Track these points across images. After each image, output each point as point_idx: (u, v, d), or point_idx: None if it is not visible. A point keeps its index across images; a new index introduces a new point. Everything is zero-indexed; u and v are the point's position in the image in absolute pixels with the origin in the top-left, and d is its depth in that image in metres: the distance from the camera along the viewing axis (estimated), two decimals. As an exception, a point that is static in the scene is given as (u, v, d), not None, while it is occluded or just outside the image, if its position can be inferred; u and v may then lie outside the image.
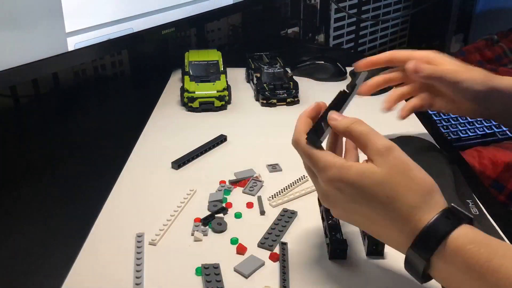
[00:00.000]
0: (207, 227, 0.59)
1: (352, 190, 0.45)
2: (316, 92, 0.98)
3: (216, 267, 0.53)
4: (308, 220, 0.61)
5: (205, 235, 0.58)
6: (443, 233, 0.42)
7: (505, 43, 1.75)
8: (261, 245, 0.56)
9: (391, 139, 0.76)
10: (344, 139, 0.50)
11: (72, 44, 0.79)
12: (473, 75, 0.62)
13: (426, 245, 0.42)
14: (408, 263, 0.44)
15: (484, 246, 0.41)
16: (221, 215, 0.61)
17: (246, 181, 0.68)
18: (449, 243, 0.41)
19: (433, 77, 0.63)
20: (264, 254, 0.55)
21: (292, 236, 0.58)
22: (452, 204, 0.44)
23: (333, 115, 0.50)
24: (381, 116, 0.86)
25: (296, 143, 0.50)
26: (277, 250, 0.56)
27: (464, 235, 0.42)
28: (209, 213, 0.62)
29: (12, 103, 0.95)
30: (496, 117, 0.68)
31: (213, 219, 0.60)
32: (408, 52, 0.64)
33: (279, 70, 0.97)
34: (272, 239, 0.57)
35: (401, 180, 0.44)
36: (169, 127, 0.85)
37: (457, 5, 2.26)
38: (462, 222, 0.42)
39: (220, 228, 0.59)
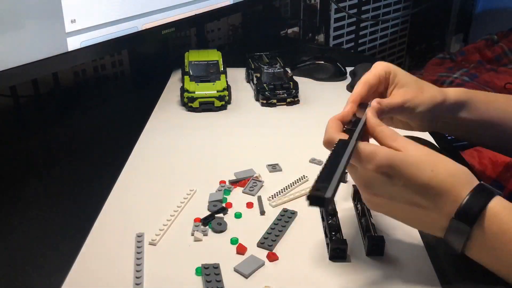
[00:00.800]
0: (207, 227, 0.59)
1: (402, 172, 0.48)
2: (316, 92, 0.98)
3: (216, 267, 0.53)
4: (308, 220, 0.61)
5: (205, 235, 0.58)
6: (482, 204, 0.47)
7: (505, 43, 1.75)
8: (261, 245, 0.56)
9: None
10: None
11: (73, 44, 0.79)
12: (423, 100, 0.62)
13: (469, 213, 0.47)
14: (448, 235, 0.49)
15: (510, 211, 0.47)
16: (221, 215, 0.61)
17: (246, 181, 0.68)
18: (488, 211, 0.47)
19: (384, 113, 0.61)
20: (264, 254, 0.55)
21: (292, 236, 0.58)
22: (481, 181, 0.49)
23: (369, 113, 0.54)
24: (381, 116, 0.86)
25: (328, 143, 0.52)
26: (276, 250, 0.56)
27: (499, 204, 0.47)
28: (209, 213, 0.62)
29: (12, 103, 0.95)
30: (442, 130, 0.70)
31: (213, 219, 0.60)
32: (376, 74, 0.62)
33: (279, 70, 0.97)
34: (272, 239, 0.57)
35: (440, 159, 0.50)
36: (169, 127, 0.85)
37: (457, 5, 2.26)
38: (495, 194, 0.48)
39: (220, 228, 0.59)
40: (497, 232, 0.47)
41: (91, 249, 0.56)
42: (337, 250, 0.54)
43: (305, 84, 0.99)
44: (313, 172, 0.71)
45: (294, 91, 0.93)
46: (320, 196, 0.42)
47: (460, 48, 1.94)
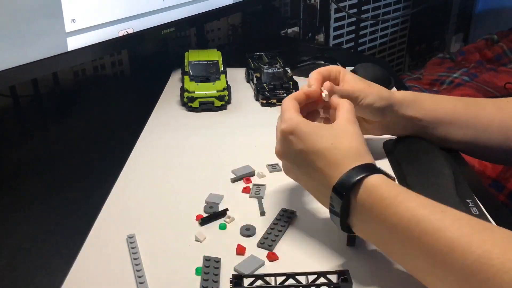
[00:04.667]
0: (208, 225, 0.59)
1: (302, 137, 0.55)
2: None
3: (217, 261, 0.53)
4: (308, 219, 0.61)
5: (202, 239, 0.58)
6: (361, 176, 0.50)
7: (505, 43, 1.76)
8: (261, 245, 0.56)
9: (392, 139, 0.77)
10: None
11: (73, 44, 0.79)
12: (371, 91, 0.68)
13: (344, 185, 0.50)
14: (330, 207, 0.52)
15: (393, 186, 0.49)
16: (224, 218, 0.61)
17: (247, 181, 0.68)
18: (365, 183, 0.50)
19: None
20: (264, 254, 0.55)
21: (291, 236, 0.58)
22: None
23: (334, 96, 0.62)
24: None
25: (282, 102, 0.61)
26: (276, 250, 0.56)
27: (378, 179, 0.50)
28: (208, 214, 0.62)
29: (12, 103, 0.95)
30: (395, 131, 0.74)
31: (215, 220, 0.60)
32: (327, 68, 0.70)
33: (279, 70, 0.97)
34: (272, 239, 0.57)
35: (347, 136, 0.54)
36: (169, 127, 0.85)
37: (457, 5, 2.26)
38: (380, 172, 0.51)
39: (248, 233, 0.58)
40: (373, 203, 0.49)
41: (91, 249, 0.56)
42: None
43: (305, 84, 0.99)
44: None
45: (294, 91, 0.93)
46: None
47: (460, 48, 1.94)
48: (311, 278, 0.49)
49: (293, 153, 0.56)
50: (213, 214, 0.61)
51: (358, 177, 0.50)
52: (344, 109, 0.58)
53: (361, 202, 0.50)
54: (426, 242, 0.44)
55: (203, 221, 0.60)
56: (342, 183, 0.51)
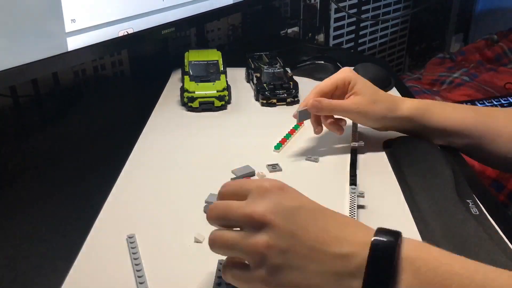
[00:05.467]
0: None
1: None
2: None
3: None
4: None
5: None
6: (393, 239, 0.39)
7: (505, 43, 1.76)
8: (261, 245, 0.56)
9: (392, 139, 0.77)
10: None
11: (73, 44, 0.79)
12: (375, 108, 0.71)
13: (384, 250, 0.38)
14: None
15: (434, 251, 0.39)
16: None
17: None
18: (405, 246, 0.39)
19: (335, 112, 0.73)
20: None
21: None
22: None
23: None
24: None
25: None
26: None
27: (412, 242, 0.40)
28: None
29: (12, 103, 0.95)
30: (397, 130, 0.75)
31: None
32: (333, 82, 0.72)
33: (279, 70, 0.97)
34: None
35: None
36: (169, 127, 0.85)
37: (457, 5, 2.26)
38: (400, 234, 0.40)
39: None
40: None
41: (91, 249, 0.56)
42: None
43: (305, 84, 0.99)
44: (313, 172, 0.71)
45: (294, 91, 0.93)
46: None
47: (460, 48, 1.94)
48: None
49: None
50: None
51: (393, 239, 0.39)
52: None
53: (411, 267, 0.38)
54: None
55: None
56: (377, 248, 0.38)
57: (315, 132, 0.76)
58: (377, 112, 0.71)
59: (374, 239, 0.38)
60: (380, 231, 0.40)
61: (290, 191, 0.44)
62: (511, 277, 0.37)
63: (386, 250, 0.38)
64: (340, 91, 0.73)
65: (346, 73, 0.72)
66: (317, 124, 0.75)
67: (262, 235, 0.40)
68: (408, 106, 0.72)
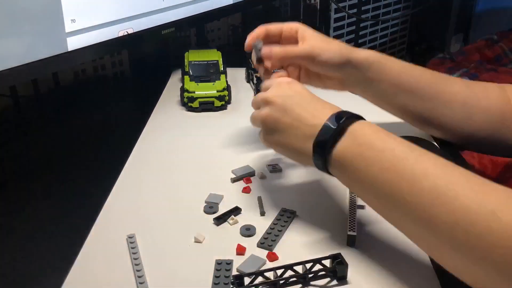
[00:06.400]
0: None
1: (295, 86, 0.61)
2: (316, 92, 0.98)
3: (228, 263, 0.53)
4: (308, 219, 0.61)
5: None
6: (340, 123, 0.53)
7: (505, 43, 1.75)
8: (261, 245, 0.56)
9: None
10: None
11: (73, 44, 0.79)
12: (329, 48, 0.67)
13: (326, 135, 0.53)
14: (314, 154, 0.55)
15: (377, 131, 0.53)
16: (232, 216, 0.61)
17: (247, 181, 0.68)
18: (349, 130, 0.53)
19: (288, 58, 0.69)
20: (264, 254, 0.55)
21: (291, 236, 0.58)
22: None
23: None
24: (382, 117, 0.86)
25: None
26: (276, 250, 0.56)
27: (361, 124, 0.54)
28: (209, 212, 0.62)
29: (12, 103, 0.95)
30: (354, 89, 0.73)
31: (228, 218, 0.61)
32: (278, 25, 0.71)
33: (279, 70, 0.96)
34: (272, 239, 0.57)
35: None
36: (169, 127, 0.85)
37: (457, 5, 2.26)
38: (357, 118, 0.55)
39: (249, 232, 0.58)
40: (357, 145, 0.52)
41: (91, 249, 0.56)
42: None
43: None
44: (313, 172, 0.71)
45: (294, 91, 0.93)
46: None
47: (460, 48, 1.94)
48: (308, 267, 0.51)
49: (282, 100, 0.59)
50: (227, 212, 0.61)
51: (339, 124, 0.53)
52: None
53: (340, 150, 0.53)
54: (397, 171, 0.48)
55: (218, 221, 0.60)
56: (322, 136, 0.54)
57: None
58: (332, 51, 0.66)
59: (332, 115, 0.54)
60: (342, 112, 0.55)
61: (294, 84, 0.62)
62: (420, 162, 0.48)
63: (335, 122, 0.54)
64: (287, 42, 0.69)
65: (293, 23, 0.69)
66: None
67: (266, 108, 0.60)
68: (364, 52, 0.68)
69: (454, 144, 0.75)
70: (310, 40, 0.67)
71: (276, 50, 0.68)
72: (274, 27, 0.70)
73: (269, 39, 0.70)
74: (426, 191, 0.45)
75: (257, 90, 0.93)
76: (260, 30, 0.70)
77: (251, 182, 0.68)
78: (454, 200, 0.43)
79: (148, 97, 0.96)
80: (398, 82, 0.68)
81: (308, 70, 0.70)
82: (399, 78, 0.68)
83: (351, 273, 0.52)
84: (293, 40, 0.68)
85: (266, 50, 0.68)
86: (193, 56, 0.98)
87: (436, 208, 0.44)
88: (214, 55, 0.99)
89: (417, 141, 0.73)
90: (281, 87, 0.61)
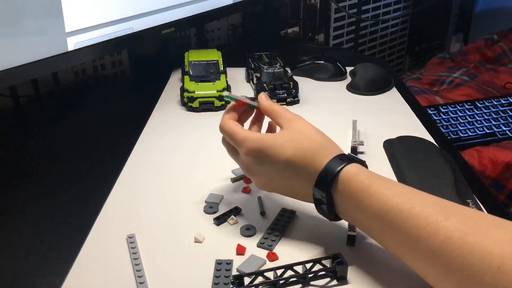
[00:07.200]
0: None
1: (267, 153, 0.55)
2: (316, 92, 0.98)
3: (228, 263, 0.53)
4: (308, 219, 0.61)
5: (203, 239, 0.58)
6: (337, 169, 0.52)
7: (505, 43, 1.75)
8: (261, 245, 0.56)
9: (392, 139, 0.77)
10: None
11: (72, 44, 0.79)
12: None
13: (324, 180, 0.52)
14: (316, 203, 0.55)
15: (366, 177, 0.51)
16: (232, 216, 0.61)
17: (247, 181, 0.68)
18: (341, 176, 0.52)
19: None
20: (264, 254, 0.55)
21: (291, 236, 0.58)
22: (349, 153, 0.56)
23: (262, 95, 0.61)
24: (382, 117, 0.87)
25: (220, 127, 0.60)
26: (276, 250, 0.56)
27: (352, 170, 0.52)
28: (209, 212, 0.62)
29: (12, 103, 0.95)
30: None
31: (226, 219, 0.60)
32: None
33: (279, 70, 0.97)
34: (272, 239, 0.57)
35: (305, 135, 0.55)
36: (169, 127, 0.85)
37: (457, 5, 2.26)
38: (353, 162, 0.53)
39: (249, 233, 0.58)
40: (351, 196, 0.51)
41: (91, 249, 0.56)
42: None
43: (305, 84, 0.99)
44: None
45: (294, 91, 0.93)
46: None
47: (460, 48, 1.94)
48: (308, 267, 0.51)
49: (264, 170, 0.56)
50: (227, 212, 0.61)
51: (334, 172, 0.52)
52: (280, 113, 0.58)
53: (341, 195, 0.52)
54: (397, 230, 0.48)
55: (218, 221, 0.60)
56: (321, 183, 0.53)
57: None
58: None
59: (329, 162, 0.53)
60: (338, 156, 0.54)
61: (261, 151, 0.56)
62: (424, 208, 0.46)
63: (331, 169, 0.52)
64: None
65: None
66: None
67: (251, 177, 0.59)
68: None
69: (454, 145, 0.75)
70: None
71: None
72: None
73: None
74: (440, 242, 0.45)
75: (257, 90, 0.94)
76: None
77: (251, 182, 0.68)
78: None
79: (148, 97, 0.96)
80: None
81: None
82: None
83: (351, 273, 0.52)
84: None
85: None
86: (193, 56, 0.98)
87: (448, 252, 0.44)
88: (214, 55, 0.99)
89: (417, 141, 0.74)
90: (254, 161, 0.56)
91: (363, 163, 0.54)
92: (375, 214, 0.49)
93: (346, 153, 0.55)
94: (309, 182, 0.54)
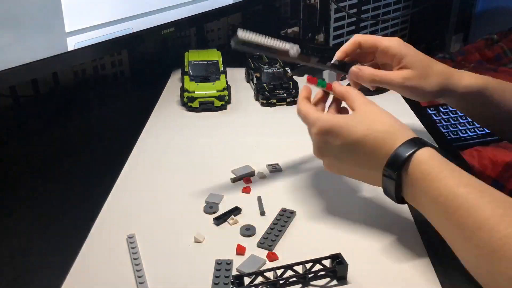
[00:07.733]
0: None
1: (338, 132, 0.55)
2: (316, 92, 0.98)
3: (228, 263, 0.53)
4: (308, 219, 0.61)
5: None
6: (411, 151, 0.52)
7: (505, 43, 1.75)
8: (261, 245, 0.56)
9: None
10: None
11: (72, 44, 0.79)
12: (426, 80, 0.64)
13: (397, 161, 0.52)
14: (384, 184, 0.54)
15: (439, 161, 0.51)
16: (232, 216, 0.61)
17: (247, 181, 0.68)
18: (414, 158, 0.51)
19: (377, 82, 0.65)
20: (264, 254, 0.55)
21: (291, 236, 0.58)
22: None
23: (335, 83, 0.63)
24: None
25: (297, 110, 0.61)
26: (276, 250, 0.56)
27: (426, 153, 0.52)
28: (209, 212, 0.62)
29: (12, 103, 0.95)
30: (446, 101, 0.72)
31: (226, 219, 0.60)
32: (373, 39, 0.66)
33: (279, 70, 0.97)
34: (272, 239, 0.57)
35: (377, 118, 0.56)
36: (169, 127, 0.85)
37: (457, 5, 2.26)
38: (426, 145, 0.52)
39: (249, 232, 0.58)
40: (419, 178, 0.51)
41: (91, 249, 0.56)
42: None
43: (305, 84, 0.99)
44: (313, 172, 0.71)
45: (294, 91, 0.93)
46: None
47: (460, 48, 1.94)
48: (308, 267, 0.51)
49: (334, 150, 0.57)
50: (227, 212, 0.61)
51: (408, 153, 0.51)
52: (355, 97, 0.59)
53: (410, 176, 0.52)
54: (459, 218, 0.47)
55: (218, 221, 0.60)
56: (393, 163, 0.52)
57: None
58: (427, 89, 0.65)
59: (403, 143, 0.52)
60: (412, 139, 0.53)
61: (332, 132, 0.57)
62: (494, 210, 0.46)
63: (402, 154, 0.52)
64: (381, 59, 0.67)
65: (392, 40, 0.65)
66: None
67: (324, 159, 0.60)
68: (466, 83, 0.66)
69: (453, 145, 0.75)
70: (405, 70, 0.64)
71: (365, 72, 0.65)
72: (369, 42, 0.66)
73: (362, 54, 0.68)
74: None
75: (257, 90, 0.93)
76: (354, 43, 0.67)
77: (251, 182, 0.68)
78: None
79: (148, 97, 0.96)
80: (502, 110, 0.67)
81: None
82: (503, 104, 0.67)
83: (351, 273, 0.52)
84: (388, 59, 0.65)
85: (354, 69, 0.65)
86: (193, 56, 0.98)
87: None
88: (214, 55, 0.99)
89: (417, 141, 0.74)
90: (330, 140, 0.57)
91: (436, 149, 0.53)
92: (440, 198, 0.49)
93: (418, 137, 0.54)
94: (380, 164, 0.53)
